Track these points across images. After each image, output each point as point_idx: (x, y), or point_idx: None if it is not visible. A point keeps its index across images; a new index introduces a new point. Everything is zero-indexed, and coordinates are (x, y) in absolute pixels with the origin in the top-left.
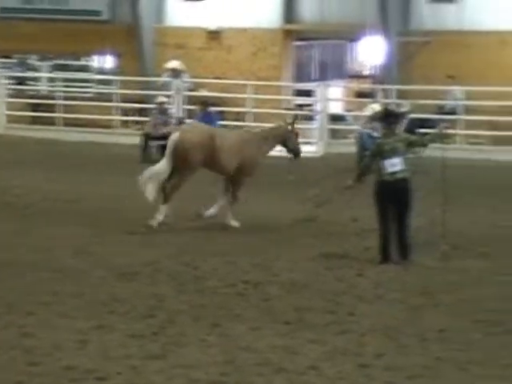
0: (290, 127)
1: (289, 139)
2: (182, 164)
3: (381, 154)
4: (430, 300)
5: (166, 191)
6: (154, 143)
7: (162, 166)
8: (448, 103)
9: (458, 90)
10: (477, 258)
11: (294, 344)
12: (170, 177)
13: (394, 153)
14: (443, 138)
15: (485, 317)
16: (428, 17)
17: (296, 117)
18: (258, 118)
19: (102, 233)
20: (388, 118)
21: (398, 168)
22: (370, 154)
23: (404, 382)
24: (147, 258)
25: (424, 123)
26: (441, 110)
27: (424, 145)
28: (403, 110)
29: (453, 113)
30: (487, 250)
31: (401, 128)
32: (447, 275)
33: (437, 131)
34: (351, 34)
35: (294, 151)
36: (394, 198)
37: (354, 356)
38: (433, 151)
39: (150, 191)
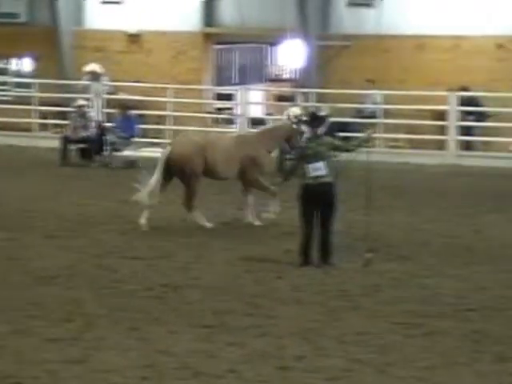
0: (294, 125)
1: (293, 137)
2: (181, 175)
3: (304, 158)
4: (349, 303)
5: (187, 203)
6: (74, 146)
7: (154, 180)
8: (367, 107)
9: (376, 93)
10: (396, 261)
11: (213, 347)
12: (162, 187)
13: (316, 157)
14: (368, 144)
15: (404, 319)
16: (347, 21)
17: (300, 116)
18: (178, 121)
19: (20, 236)
20: (313, 121)
21: (321, 172)
22: (294, 157)
23: None
24: (65, 262)
25: (343, 127)
26: (360, 113)
27: (348, 150)
28: (323, 113)
29: (372, 116)
30: (406, 252)
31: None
32: (366, 278)
33: (363, 136)
34: (271, 38)
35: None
36: (317, 202)
37: (274, 359)
38: (356, 155)
39: (144, 196)
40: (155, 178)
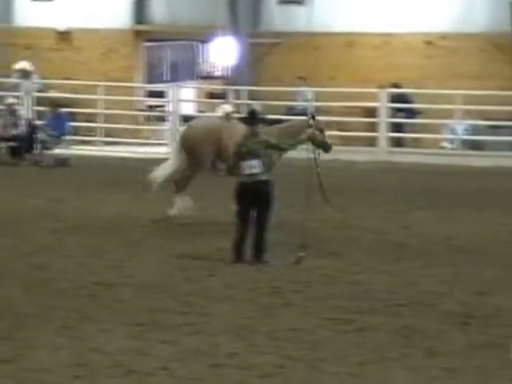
0: (310, 121)
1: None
2: (190, 158)
3: (239, 155)
4: (281, 299)
5: (179, 183)
6: (3, 144)
7: (171, 163)
8: (298, 104)
9: (307, 91)
10: (327, 257)
11: (145, 345)
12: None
13: (251, 155)
14: (302, 144)
15: (335, 315)
16: (278, 18)
17: (314, 113)
18: (109, 119)
19: None
20: (251, 119)
21: (255, 170)
22: (232, 154)
23: (256, 381)
24: None
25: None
26: (291, 111)
27: (283, 149)
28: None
29: (303, 114)
30: (337, 249)
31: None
32: (298, 275)
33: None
34: (202, 35)
35: (322, 145)
36: (252, 200)
37: (206, 356)
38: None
39: (159, 178)
40: (171, 161)
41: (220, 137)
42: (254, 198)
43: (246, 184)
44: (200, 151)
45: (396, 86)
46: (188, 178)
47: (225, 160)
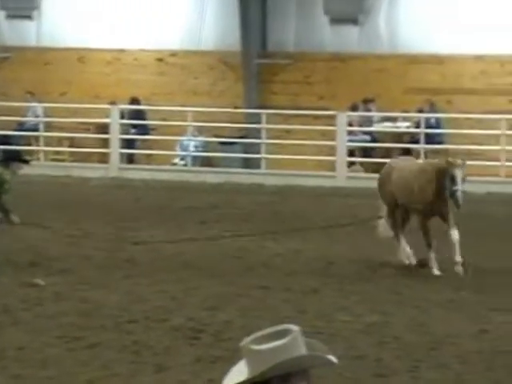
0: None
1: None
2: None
3: None
4: (9, 317)
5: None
6: None
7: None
8: (29, 120)
9: (37, 106)
10: (57, 275)
11: None
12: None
13: None
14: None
15: (64, 333)
16: (7, 32)
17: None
18: None
19: None
20: None
21: None
22: None
23: None
24: None
25: (5, 140)
26: (22, 126)
27: None
28: None
29: (34, 129)
30: (68, 265)
31: None
32: (27, 292)
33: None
34: None
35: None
36: None
37: None
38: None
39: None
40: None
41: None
42: None
43: None
44: (380, 190)
45: (135, 100)
46: (391, 221)
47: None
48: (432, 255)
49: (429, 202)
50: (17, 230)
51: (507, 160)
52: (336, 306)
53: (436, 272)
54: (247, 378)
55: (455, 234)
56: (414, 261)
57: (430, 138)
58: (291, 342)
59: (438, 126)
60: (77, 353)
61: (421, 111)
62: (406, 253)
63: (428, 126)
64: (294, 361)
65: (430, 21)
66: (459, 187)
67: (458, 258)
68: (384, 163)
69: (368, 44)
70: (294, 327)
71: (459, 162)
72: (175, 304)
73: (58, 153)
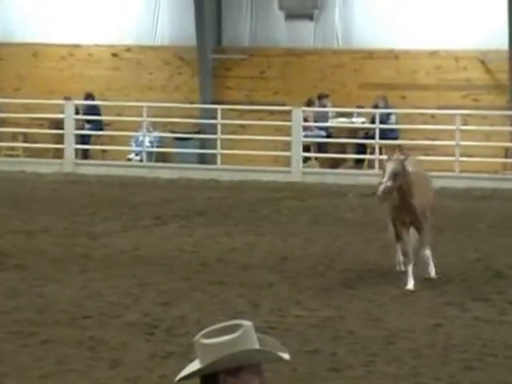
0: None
1: None
2: None
3: None
4: None
5: None
6: None
7: None
8: None
9: None
10: (12, 270)
11: None
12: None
13: None
14: None
15: (18, 328)
16: None
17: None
18: None
19: None
20: None
21: None
22: None
23: None
24: None
25: None
26: None
27: None
28: None
29: None
30: (22, 261)
31: None
32: None
33: None
34: None
35: None
36: None
37: None
38: None
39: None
40: None
41: None
42: None
43: None
44: None
45: (90, 96)
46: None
47: None
48: (409, 268)
49: (393, 206)
50: None
51: (461, 155)
52: (290, 301)
53: (409, 287)
54: (196, 369)
55: (426, 253)
56: (402, 268)
57: (384, 134)
58: (242, 336)
59: (391, 122)
60: (31, 348)
61: (376, 107)
62: (398, 260)
63: (382, 122)
64: (242, 354)
65: (384, 16)
66: (384, 180)
67: (432, 274)
68: (339, 159)
69: (323, 39)
70: (246, 322)
71: (396, 156)
72: (130, 299)
73: (12, 148)
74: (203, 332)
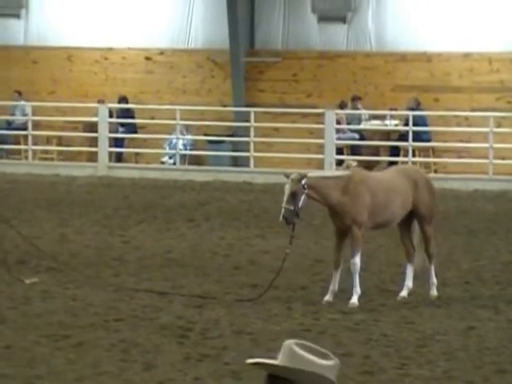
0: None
1: None
2: None
3: None
4: None
5: None
6: None
7: None
8: (17, 119)
9: (25, 105)
10: (46, 273)
11: None
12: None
13: None
14: None
15: (52, 331)
16: None
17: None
18: None
19: None
20: None
21: None
22: None
23: None
24: None
25: None
26: (10, 125)
27: None
28: None
29: (23, 128)
30: (56, 264)
31: None
32: (15, 291)
33: None
34: None
35: None
36: None
37: None
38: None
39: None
40: None
41: None
42: None
43: None
44: None
45: (123, 99)
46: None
47: None
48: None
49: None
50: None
51: (494, 157)
52: (324, 304)
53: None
54: (278, 364)
55: (354, 263)
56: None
57: (417, 136)
58: (332, 367)
59: (424, 124)
60: (65, 351)
61: (411, 109)
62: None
63: (414, 124)
64: (324, 380)
65: (417, 18)
66: (283, 205)
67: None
68: (372, 161)
69: (356, 42)
70: (337, 360)
71: (292, 176)
72: (163, 302)
73: (46, 152)
74: (297, 341)
